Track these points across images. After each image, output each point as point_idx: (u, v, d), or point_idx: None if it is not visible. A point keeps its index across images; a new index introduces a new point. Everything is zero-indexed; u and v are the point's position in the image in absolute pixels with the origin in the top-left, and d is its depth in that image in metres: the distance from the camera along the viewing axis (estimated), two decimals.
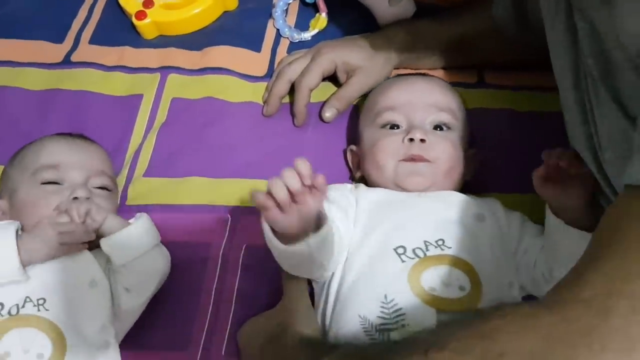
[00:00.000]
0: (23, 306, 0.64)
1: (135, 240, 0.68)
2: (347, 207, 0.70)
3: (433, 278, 0.63)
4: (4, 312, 0.63)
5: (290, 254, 0.60)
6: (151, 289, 0.70)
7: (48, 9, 1.04)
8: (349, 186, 0.74)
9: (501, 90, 0.89)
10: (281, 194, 0.55)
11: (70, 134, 0.80)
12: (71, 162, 0.74)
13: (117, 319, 0.69)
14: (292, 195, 0.55)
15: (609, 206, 0.48)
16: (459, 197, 0.71)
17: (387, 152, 0.72)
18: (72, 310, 0.65)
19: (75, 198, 0.70)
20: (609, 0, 0.52)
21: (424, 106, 0.74)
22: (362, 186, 0.74)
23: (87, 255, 0.69)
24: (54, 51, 0.98)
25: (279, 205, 0.56)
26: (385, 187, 0.72)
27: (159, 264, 0.71)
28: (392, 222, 0.68)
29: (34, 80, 0.95)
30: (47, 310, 0.64)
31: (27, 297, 0.64)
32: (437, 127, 0.74)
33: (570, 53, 0.61)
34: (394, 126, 0.74)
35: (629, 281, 0.41)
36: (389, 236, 0.67)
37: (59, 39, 1.00)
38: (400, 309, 0.61)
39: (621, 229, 0.44)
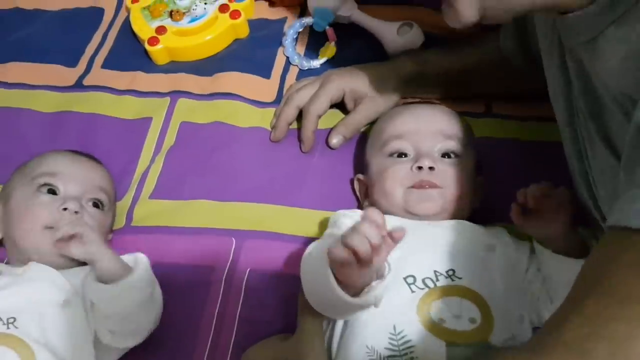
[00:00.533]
0: None
1: (126, 294, 0.66)
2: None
3: (443, 309, 0.62)
4: None
5: (357, 306, 0.58)
6: (138, 338, 0.69)
7: (63, 33, 1.06)
8: (359, 212, 0.74)
9: (508, 120, 0.89)
10: (365, 249, 0.54)
11: (77, 151, 0.81)
12: (69, 173, 0.75)
13: (101, 349, 0.68)
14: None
15: (593, 248, 0.48)
16: (469, 227, 0.70)
17: (396, 179, 0.72)
18: (43, 329, 0.65)
19: (65, 209, 0.71)
20: (593, 41, 0.53)
21: (431, 134, 0.74)
22: None
23: (57, 276, 0.69)
24: (67, 75, 1.00)
25: (359, 259, 0.54)
26: (394, 215, 0.72)
27: (147, 319, 0.68)
28: (401, 251, 0.66)
29: (46, 102, 0.96)
30: (16, 328, 0.64)
31: None
32: (445, 154, 0.74)
33: (564, 91, 0.62)
34: (402, 154, 0.74)
35: (608, 323, 0.41)
36: (399, 265, 0.65)
37: (72, 63, 1.02)
38: (409, 340, 0.60)
39: (603, 271, 0.44)
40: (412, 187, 0.71)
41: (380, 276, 0.60)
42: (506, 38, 0.82)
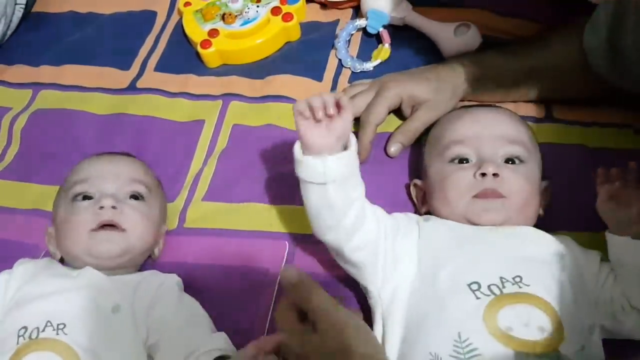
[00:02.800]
0: (43, 330, 0.65)
1: None
2: (401, 225, 0.69)
3: (510, 317, 0.60)
4: (27, 335, 0.64)
5: (306, 166, 0.63)
6: None
7: (116, 37, 1.07)
8: (415, 217, 0.72)
9: (571, 126, 0.86)
10: (318, 104, 0.63)
11: (108, 152, 0.81)
12: (99, 175, 0.75)
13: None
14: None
15: None
16: (534, 233, 0.67)
17: (458, 188, 0.70)
18: (91, 336, 0.65)
19: (101, 207, 0.72)
20: None
21: (494, 138, 0.71)
22: (433, 218, 0.71)
23: (107, 282, 0.70)
24: (121, 77, 1.01)
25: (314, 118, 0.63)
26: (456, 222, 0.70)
27: None
28: (464, 257, 0.65)
29: (100, 104, 0.97)
30: (65, 334, 0.64)
31: (48, 321, 0.65)
32: (509, 160, 0.71)
33: None
34: (463, 160, 0.71)
35: None
36: (462, 271, 0.64)
37: (126, 65, 1.02)
38: (476, 349, 0.58)
39: None
40: (476, 196, 0.68)
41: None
42: (592, 37, 0.78)
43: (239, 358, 0.63)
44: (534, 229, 0.68)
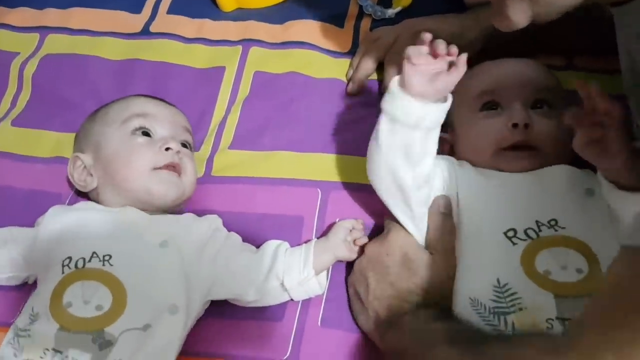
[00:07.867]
0: (89, 261, 0.65)
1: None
2: (447, 170, 0.70)
3: (548, 261, 0.61)
4: (72, 264, 0.65)
5: (402, 105, 0.63)
6: None
7: None
8: (455, 161, 0.72)
9: (592, 74, 0.87)
10: (442, 49, 0.62)
11: (153, 97, 0.80)
12: (159, 115, 0.75)
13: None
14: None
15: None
16: (567, 171, 0.68)
17: (488, 138, 0.70)
18: (137, 269, 0.65)
19: (168, 149, 0.71)
20: None
21: (523, 85, 0.72)
22: (466, 164, 0.72)
23: (156, 219, 0.70)
24: (133, 21, 0.98)
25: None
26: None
27: None
28: (499, 204, 0.66)
29: (114, 49, 0.94)
30: (111, 265, 0.64)
31: (94, 252, 0.65)
32: (537, 105, 0.71)
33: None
34: (492, 108, 0.72)
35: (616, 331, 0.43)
36: (498, 219, 0.65)
37: (136, 9, 0.99)
38: (516, 292, 0.60)
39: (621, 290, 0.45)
40: (506, 149, 0.69)
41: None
42: None
43: (337, 227, 0.71)
44: (565, 166, 0.68)
